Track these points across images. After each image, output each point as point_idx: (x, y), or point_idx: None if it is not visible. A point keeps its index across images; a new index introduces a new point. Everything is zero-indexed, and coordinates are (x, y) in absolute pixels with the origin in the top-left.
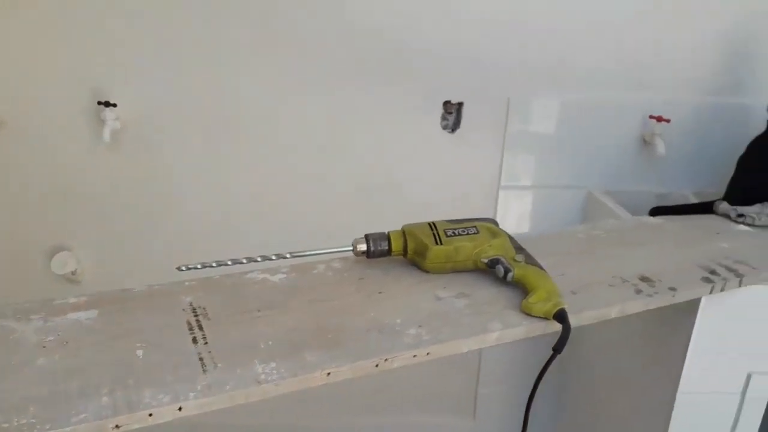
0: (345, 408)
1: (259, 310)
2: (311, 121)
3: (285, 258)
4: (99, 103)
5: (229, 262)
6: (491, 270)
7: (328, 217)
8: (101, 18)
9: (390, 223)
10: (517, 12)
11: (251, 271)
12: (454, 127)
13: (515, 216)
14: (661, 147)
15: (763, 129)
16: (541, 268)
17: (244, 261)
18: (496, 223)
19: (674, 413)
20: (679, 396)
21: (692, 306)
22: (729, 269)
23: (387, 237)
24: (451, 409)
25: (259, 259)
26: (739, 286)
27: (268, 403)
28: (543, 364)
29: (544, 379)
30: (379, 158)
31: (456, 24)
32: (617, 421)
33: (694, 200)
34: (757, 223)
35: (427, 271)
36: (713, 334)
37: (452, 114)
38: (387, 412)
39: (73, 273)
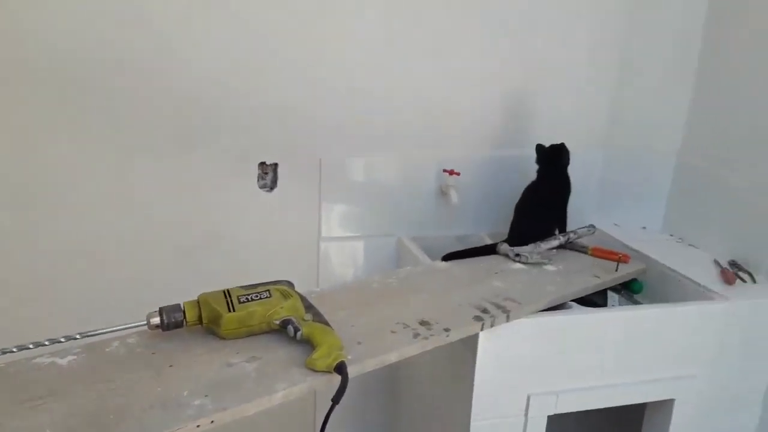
0: None
1: (41, 398)
2: (126, 186)
3: (75, 339)
4: None
5: (15, 349)
6: (284, 330)
7: (148, 285)
8: None
9: (213, 286)
10: (322, 78)
11: (40, 356)
12: (272, 186)
13: (337, 265)
14: (454, 197)
15: (534, 177)
16: (327, 324)
17: (31, 346)
18: (291, 285)
19: None
20: (472, 423)
21: (474, 341)
22: (498, 306)
23: (181, 308)
24: None
25: (47, 342)
26: (507, 320)
27: None
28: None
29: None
30: (199, 221)
31: (266, 89)
32: None
33: (488, 241)
34: (530, 261)
35: (223, 338)
36: (493, 365)
37: (268, 174)
38: None
39: None
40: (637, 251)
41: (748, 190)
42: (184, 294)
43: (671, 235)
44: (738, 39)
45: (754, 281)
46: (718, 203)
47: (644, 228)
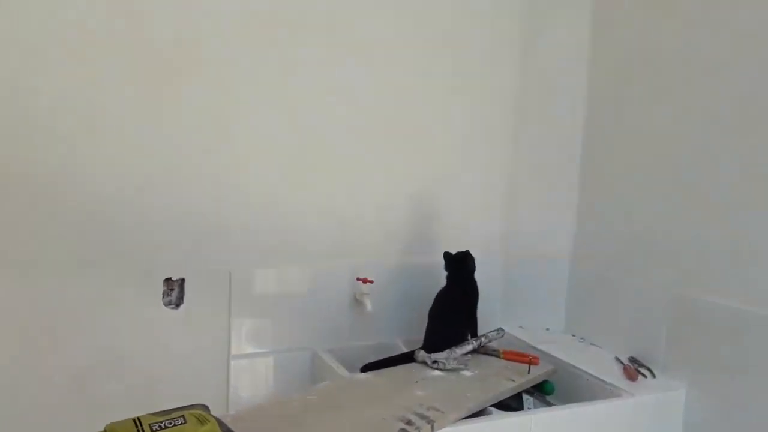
0: None
1: None
2: (19, 306)
3: None
4: None
5: None
6: None
7: (46, 415)
8: None
9: (116, 413)
10: (231, 191)
11: None
12: (178, 302)
13: (249, 384)
14: (368, 305)
15: (444, 283)
16: None
17: None
18: (206, 409)
19: None
20: None
21: None
22: (422, 417)
23: None
24: None
25: None
26: (432, 431)
27: None
28: None
29: None
30: (99, 343)
31: (172, 202)
32: None
33: (404, 348)
34: (447, 367)
35: None
36: None
37: (174, 290)
38: None
39: None
40: (544, 352)
41: (637, 290)
42: (87, 424)
43: (573, 335)
44: (617, 146)
45: (653, 376)
46: (612, 303)
47: (548, 329)
